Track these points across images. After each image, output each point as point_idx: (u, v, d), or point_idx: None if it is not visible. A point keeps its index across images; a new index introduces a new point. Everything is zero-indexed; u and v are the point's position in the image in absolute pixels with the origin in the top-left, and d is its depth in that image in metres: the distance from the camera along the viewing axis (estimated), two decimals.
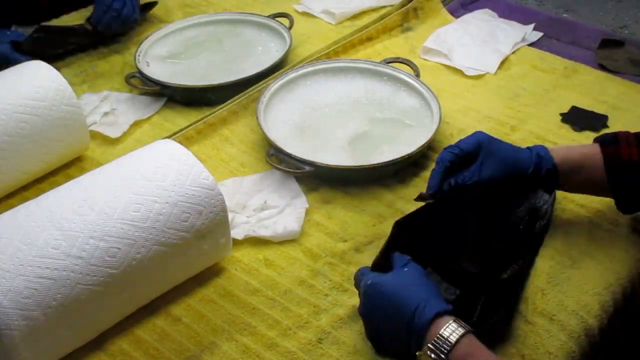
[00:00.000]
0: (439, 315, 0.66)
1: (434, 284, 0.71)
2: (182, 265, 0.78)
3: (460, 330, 0.65)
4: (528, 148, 0.83)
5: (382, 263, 0.76)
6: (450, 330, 0.65)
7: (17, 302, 0.66)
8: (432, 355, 0.64)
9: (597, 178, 0.80)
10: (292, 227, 0.87)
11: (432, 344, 0.64)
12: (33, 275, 0.67)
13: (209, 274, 0.82)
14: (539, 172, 0.81)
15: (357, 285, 0.74)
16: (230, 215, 0.82)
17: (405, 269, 0.71)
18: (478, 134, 0.83)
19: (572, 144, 1.00)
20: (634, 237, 0.85)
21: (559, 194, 0.91)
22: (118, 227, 0.71)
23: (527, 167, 0.80)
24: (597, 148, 0.81)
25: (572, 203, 0.90)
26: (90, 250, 0.70)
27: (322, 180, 0.95)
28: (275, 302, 0.79)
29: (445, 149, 0.83)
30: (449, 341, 0.64)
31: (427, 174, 0.95)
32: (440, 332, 0.65)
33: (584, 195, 0.91)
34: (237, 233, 0.86)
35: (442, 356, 0.64)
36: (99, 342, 0.75)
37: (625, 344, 0.84)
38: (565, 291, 0.79)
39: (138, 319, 0.77)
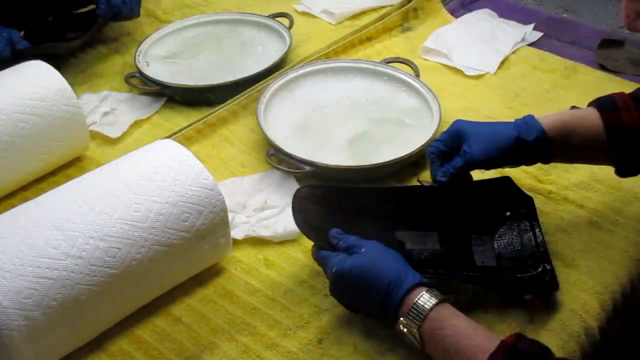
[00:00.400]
0: (411, 289, 0.68)
1: (399, 257, 0.72)
2: (182, 265, 0.78)
3: (434, 300, 0.67)
4: (512, 122, 0.81)
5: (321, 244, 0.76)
6: (424, 300, 0.67)
7: (17, 302, 0.66)
8: (407, 327, 0.67)
9: (593, 141, 0.78)
10: (292, 227, 0.86)
11: (407, 315, 0.67)
12: (33, 275, 0.67)
13: (209, 274, 0.82)
14: (525, 138, 0.78)
15: (319, 264, 0.76)
16: (230, 215, 0.82)
17: (364, 250, 0.71)
18: (456, 122, 0.82)
19: None
20: (633, 237, 0.85)
21: (559, 195, 0.91)
22: (118, 227, 0.71)
23: (510, 135, 0.78)
24: (592, 111, 0.79)
25: (572, 204, 0.90)
26: (90, 250, 0.70)
27: (322, 180, 0.95)
28: (275, 302, 0.79)
29: (430, 145, 0.83)
30: (423, 310, 0.66)
31: (427, 174, 0.95)
32: (414, 302, 0.67)
33: (584, 196, 0.91)
34: (237, 233, 0.86)
35: (416, 325, 0.66)
36: (99, 342, 0.75)
37: (625, 344, 0.84)
38: (564, 291, 0.79)
39: (138, 319, 0.77)
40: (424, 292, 0.67)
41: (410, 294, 0.68)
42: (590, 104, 0.81)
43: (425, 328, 0.66)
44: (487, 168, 0.82)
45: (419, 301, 0.67)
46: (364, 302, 0.72)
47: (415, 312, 0.67)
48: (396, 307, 0.68)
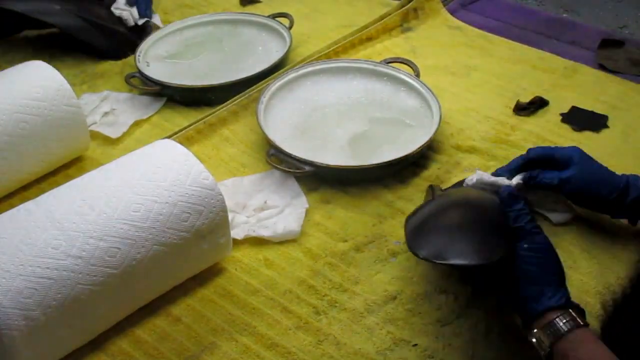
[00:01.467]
0: (555, 307, 0.66)
1: (560, 265, 0.69)
2: (182, 265, 0.78)
3: (573, 323, 0.65)
4: (622, 175, 0.81)
5: None
6: (564, 319, 0.65)
7: (17, 302, 0.66)
8: (539, 341, 0.66)
9: None
10: (292, 227, 0.87)
11: (543, 329, 0.65)
12: (33, 275, 0.67)
13: (209, 274, 0.82)
14: (624, 197, 0.79)
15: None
16: (230, 215, 0.82)
17: (526, 246, 0.68)
18: (573, 148, 0.82)
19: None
20: (634, 237, 0.85)
21: None
22: (118, 227, 0.71)
23: (613, 190, 0.79)
24: None
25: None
26: (90, 250, 0.70)
27: (322, 180, 0.95)
28: (275, 302, 0.79)
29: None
30: (560, 330, 0.65)
31: (427, 174, 0.96)
32: (552, 319, 0.65)
33: None
34: (237, 233, 0.86)
35: (549, 341, 0.65)
36: (99, 342, 0.75)
37: (625, 344, 0.84)
38: None
39: (138, 319, 0.77)
40: (565, 313, 0.66)
41: (552, 310, 0.66)
42: None
43: (558, 347, 0.65)
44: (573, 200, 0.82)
45: (557, 319, 0.65)
46: (505, 292, 0.71)
47: (552, 329, 0.65)
48: (534, 318, 0.67)
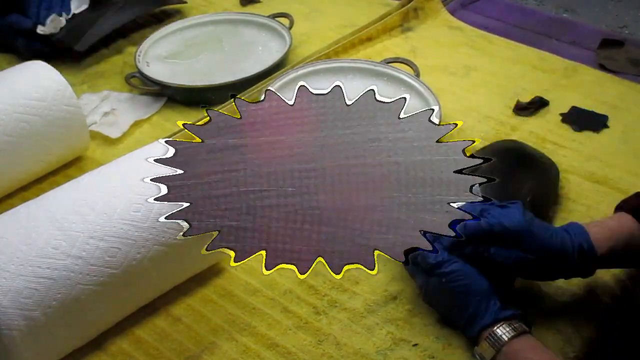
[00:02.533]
0: (491, 323, 0.68)
1: (484, 281, 0.70)
2: (182, 265, 0.78)
3: (512, 332, 0.67)
4: (565, 230, 0.71)
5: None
6: (504, 330, 0.67)
7: (17, 302, 0.66)
8: (483, 352, 0.68)
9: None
10: None
11: (486, 339, 0.68)
12: (33, 275, 0.67)
13: (209, 274, 0.82)
14: (579, 251, 0.71)
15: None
16: None
17: (448, 270, 0.70)
18: (512, 215, 0.70)
19: (578, 151, 1.00)
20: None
21: (559, 196, 0.91)
22: (118, 227, 0.71)
23: (568, 249, 0.70)
24: (628, 218, 0.73)
25: (573, 203, 0.90)
26: (90, 250, 0.70)
27: None
28: (275, 302, 0.79)
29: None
30: (500, 340, 0.67)
31: None
32: (492, 331, 0.67)
33: (585, 195, 0.91)
34: None
35: (493, 351, 0.67)
36: (99, 342, 0.75)
37: (625, 344, 0.84)
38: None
39: (138, 319, 0.77)
40: (503, 324, 0.67)
41: (490, 325, 0.68)
42: (617, 208, 0.76)
43: (500, 358, 0.67)
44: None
45: (497, 330, 0.67)
46: (447, 319, 0.75)
47: (492, 339, 0.67)
48: (476, 334, 0.69)
